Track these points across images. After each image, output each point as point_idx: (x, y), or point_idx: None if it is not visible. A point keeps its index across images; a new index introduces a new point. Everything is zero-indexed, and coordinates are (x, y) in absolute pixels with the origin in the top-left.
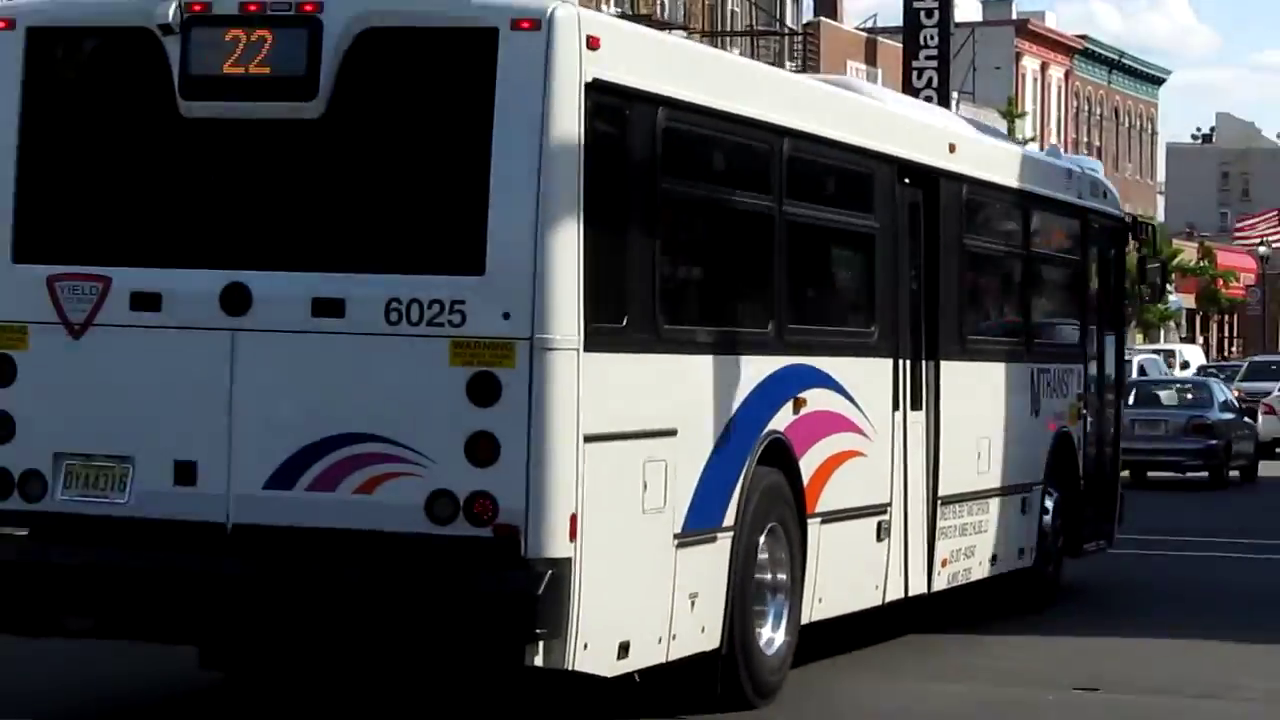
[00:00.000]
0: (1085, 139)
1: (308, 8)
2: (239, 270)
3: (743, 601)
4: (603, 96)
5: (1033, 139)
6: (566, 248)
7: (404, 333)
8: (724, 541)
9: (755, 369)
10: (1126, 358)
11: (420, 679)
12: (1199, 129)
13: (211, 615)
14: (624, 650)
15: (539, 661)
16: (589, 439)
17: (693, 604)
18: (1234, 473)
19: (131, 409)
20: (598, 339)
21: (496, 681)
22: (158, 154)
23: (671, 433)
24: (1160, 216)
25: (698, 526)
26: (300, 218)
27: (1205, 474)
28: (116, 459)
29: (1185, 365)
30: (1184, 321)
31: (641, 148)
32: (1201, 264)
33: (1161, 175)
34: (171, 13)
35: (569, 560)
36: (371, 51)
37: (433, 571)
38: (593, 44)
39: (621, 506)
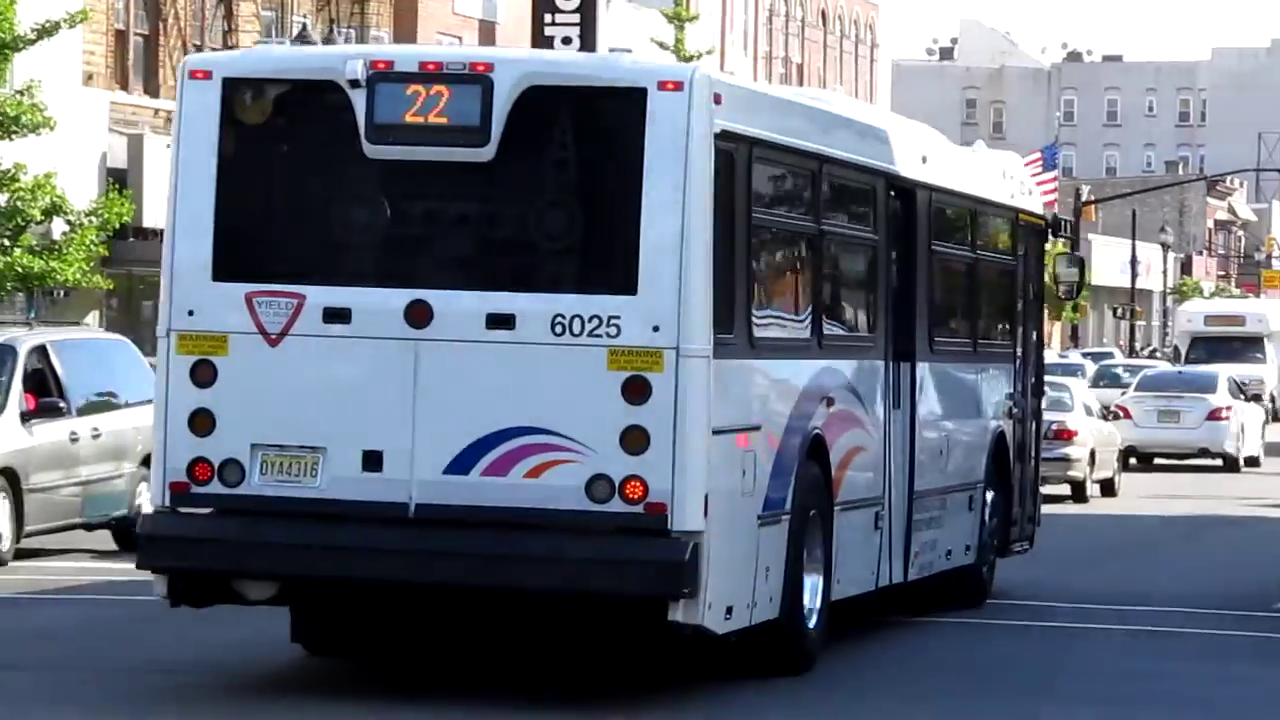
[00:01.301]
0: (782, 53)
1: (480, 67)
2: (421, 289)
3: (796, 577)
4: (723, 143)
5: (710, 52)
6: (702, 271)
7: (567, 343)
8: (784, 524)
9: (805, 371)
10: None
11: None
12: (935, 41)
13: (395, 585)
14: (729, 613)
15: (679, 617)
16: (715, 432)
17: (766, 576)
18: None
19: (323, 406)
20: (719, 348)
21: (629, 641)
22: (344, 188)
23: (757, 428)
24: None
25: (770, 509)
26: (475, 244)
27: (1066, 487)
28: (309, 449)
29: None
30: None
31: (742, 183)
32: None
33: (885, 101)
34: (359, 69)
35: (703, 533)
36: (536, 105)
37: (593, 542)
38: (718, 100)
39: (730, 490)
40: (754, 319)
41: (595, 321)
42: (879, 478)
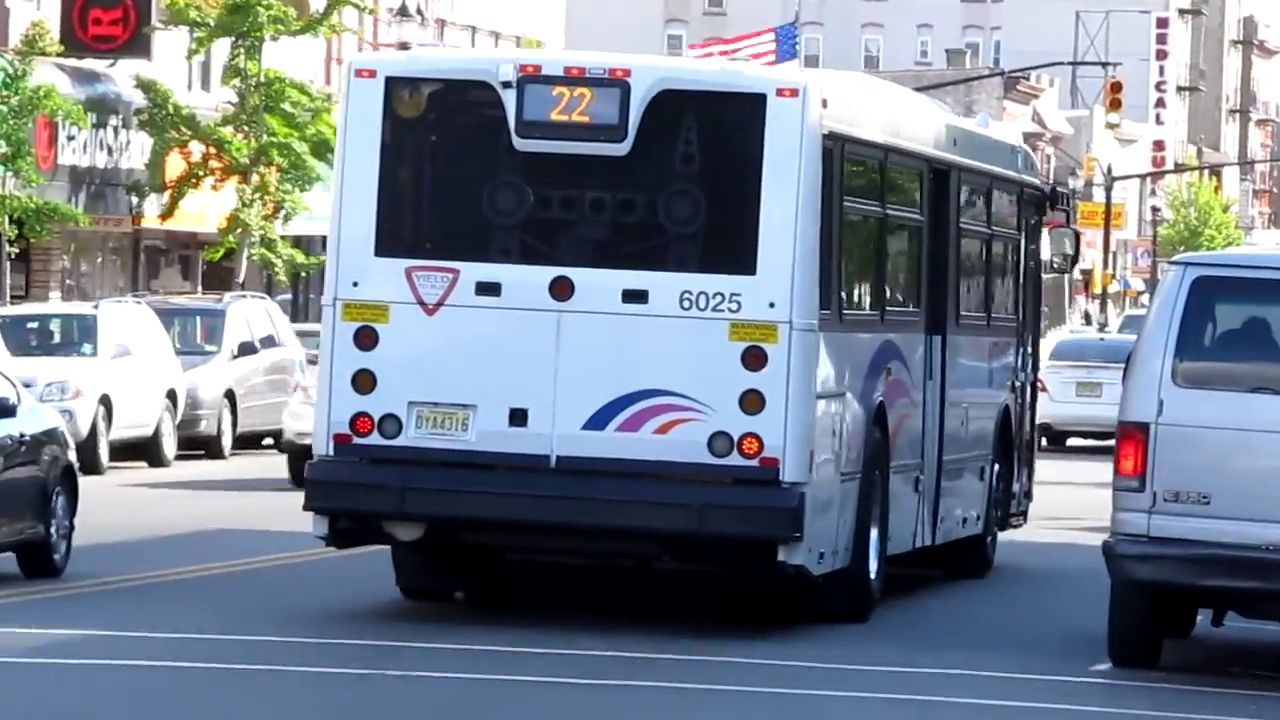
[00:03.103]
0: None
1: (619, 73)
2: (564, 267)
3: (863, 531)
4: (829, 142)
5: None
6: (811, 255)
7: (693, 316)
8: (857, 481)
9: (872, 344)
10: None
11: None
12: None
13: (537, 526)
14: (821, 558)
15: (786, 558)
16: (818, 396)
17: (840, 528)
18: None
19: (474, 368)
20: (823, 323)
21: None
22: (495, 176)
23: (842, 395)
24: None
25: (848, 469)
26: (611, 228)
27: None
28: (461, 406)
29: None
30: None
31: (836, 176)
32: None
33: None
34: (510, 72)
35: (808, 484)
36: (667, 107)
37: (714, 491)
38: (825, 104)
39: (825, 448)
40: (844, 297)
41: (719, 298)
42: (919, 445)
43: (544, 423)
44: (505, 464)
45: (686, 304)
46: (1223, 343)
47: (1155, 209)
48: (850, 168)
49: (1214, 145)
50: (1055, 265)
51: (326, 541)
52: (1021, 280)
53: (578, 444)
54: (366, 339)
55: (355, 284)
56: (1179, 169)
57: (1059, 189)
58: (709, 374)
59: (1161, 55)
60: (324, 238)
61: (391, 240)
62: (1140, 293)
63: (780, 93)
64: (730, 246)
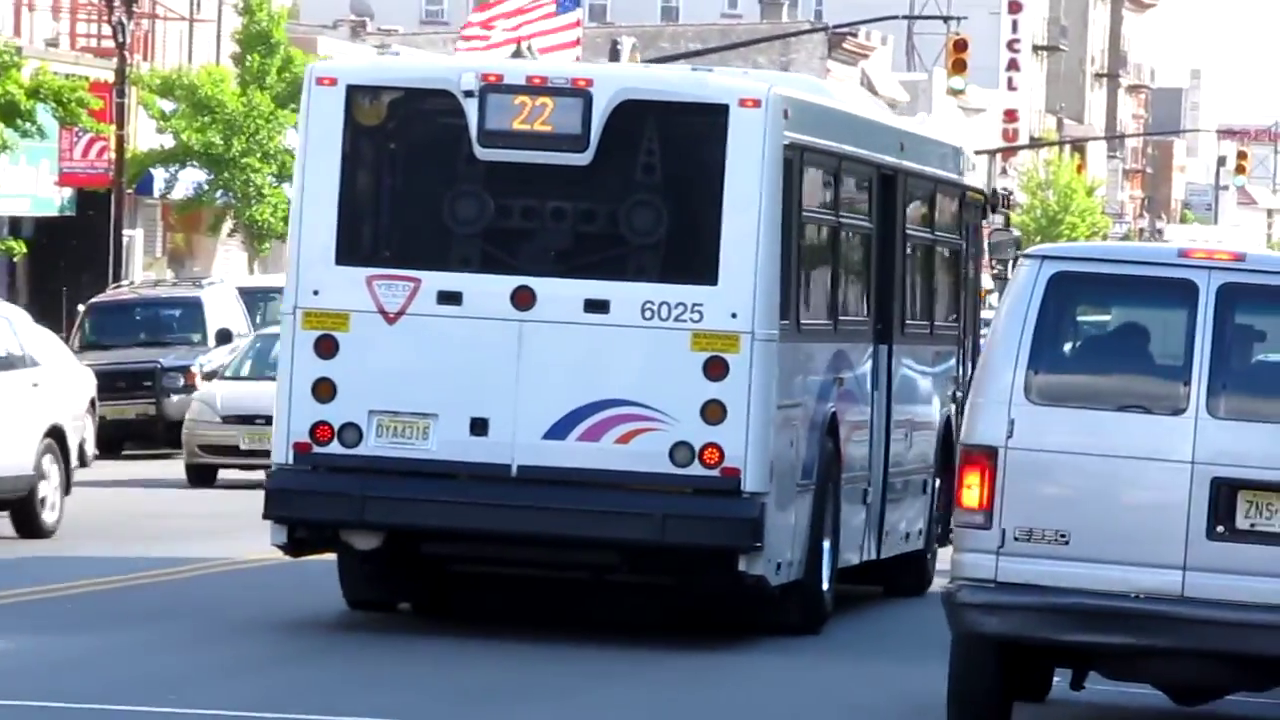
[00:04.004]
0: None
1: (581, 82)
2: (526, 276)
3: (816, 543)
4: (789, 152)
5: None
6: (772, 265)
7: (655, 326)
8: (811, 492)
9: (826, 354)
10: None
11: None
12: None
13: (498, 537)
14: (778, 568)
15: (745, 568)
16: (778, 407)
17: (796, 539)
18: None
19: (435, 377)
20: (782, 333)
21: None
22: (456, 186)
23: (799, 405)
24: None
25: (803, 480)
26: (574, 237)
27: None
28: (421, 415)
29: None
30: None
31: (795, 186)
32: None
33: None
34: (472, 81)
35: (768, 494)
36: (629, 117)
37: (675, 500)
38: (786, 115)
39: (783, 458)
40: (802, 308)
41: (681, 308)
42: (867, 457)
43: (505, 432)
44: (466, 473)
45: (648, 314)
46: (1085, 352)
47: (1007, 191)
48: (808, 177)
49: (1077, 116)
50: (995, 271)
51: (284, 550)
52: (962, 287)
53: (539, 453)
54: (326, 347)
55: (316, 292)
56: (1035, 144)
57: (999, 191)
58: (671, 384)
59: (1015, 8)
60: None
61: (352, 249)
62: (989, 291)
63: (743, 103)
64: (692, 256)
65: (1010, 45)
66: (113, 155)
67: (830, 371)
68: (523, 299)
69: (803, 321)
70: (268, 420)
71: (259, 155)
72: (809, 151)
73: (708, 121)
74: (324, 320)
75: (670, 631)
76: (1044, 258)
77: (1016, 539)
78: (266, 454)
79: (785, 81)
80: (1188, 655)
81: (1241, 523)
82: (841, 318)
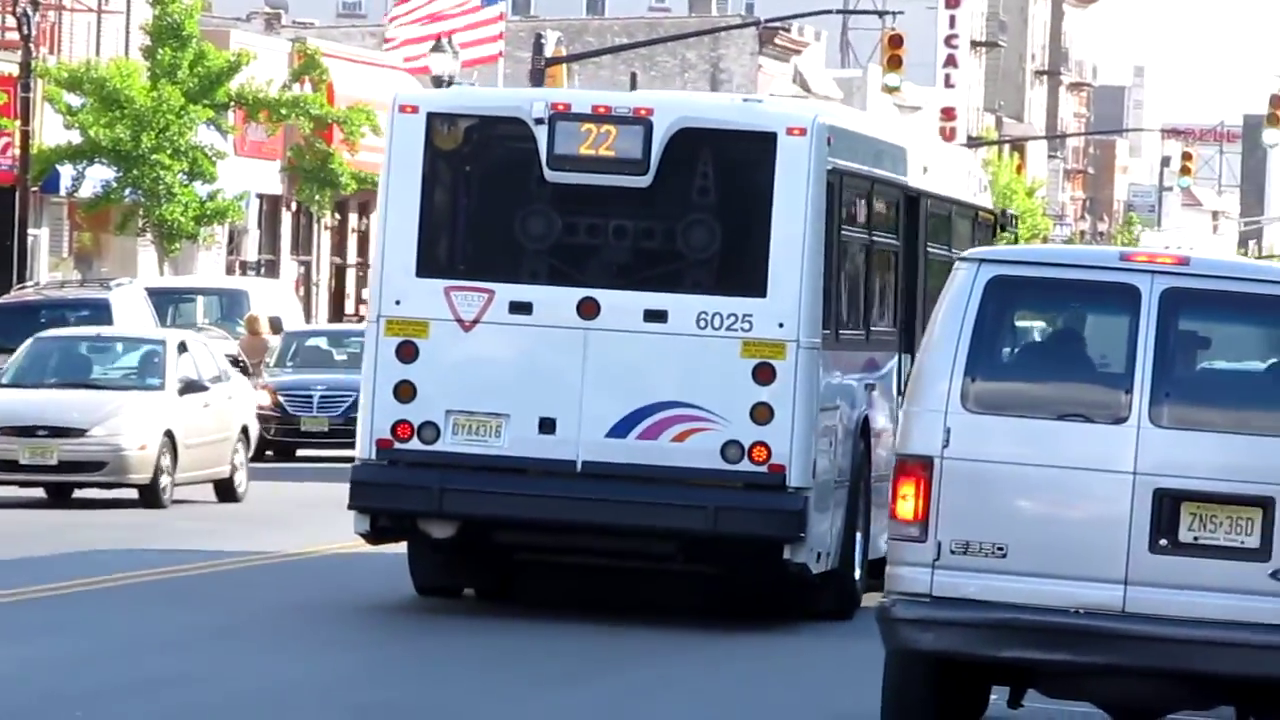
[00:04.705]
0: None
1: (642, 111)
2: (590, 288)
3: (850, 535)
4: (831, 176)
5: None
6: (816, 279)
7: (709, 334)
8: (846, 488)
9: (860, 361)
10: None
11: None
12: None
13: (564, 527)
14: (818, 558)
15: (790, 557)
16: (820, 409)
17: (833, 532)
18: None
19: (507, 380)
20: (824, 341)
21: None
22: (527, 205)
23: (837, 407)
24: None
25: (840, 477)
26: (634, 253)
27: None
28: (494, 415)
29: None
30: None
31: (836, 207)
32: (281, 91)
33: None
34: (542, 110)
35: (811, 489)
36: (686, 143)
37: (727, 494)
38: (829, 141)
39: (824, 456)
40: (841, 317)
41: (732, 318)
42: (891, 458)
43: (571, 431)
44: (535, 468)
45: (703, 323)
46: (1024, 358)
47: (1015, 213)
48: (846, 198)
49: (1016, 114)
50: None
51: (366, 538)
52: None
53: (602, 450)
54: (408, 352)
55: (398, 302)
56: (973, 143)
57: (1008, 211)
58: (723, 387)
59: (952, 3)
60: None
61: (431, 262)
62: None
63: (790, 131)
64: (743, 271)
65: (948, 41)
66: (17, 151)
67: (863, 378)
68: (588, 309)
69: (841, 331)
70: (52, 432)
71: (169, 152)
72: (847, 175)
73: (758, 148)
74: (405, 328)
75: (715, 616)
76: (981, 261)
77: (953, 552)
78: (53, 468)
79: (829, 110)
80: (1130, 673)
81: (1185, 535)
82: (872, 328)
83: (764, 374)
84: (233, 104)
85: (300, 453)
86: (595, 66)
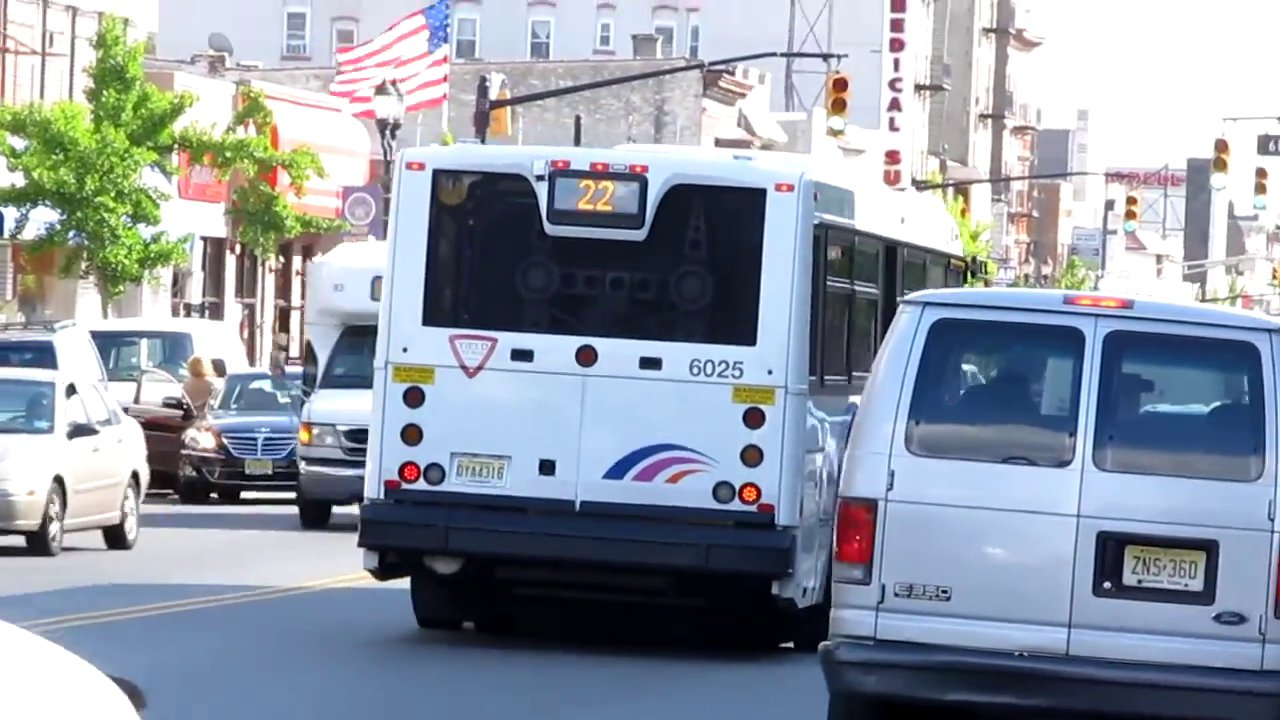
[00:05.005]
0: None
1: (637, 169)
2: (589, 336)
3: (831, 571)
4: (817, 230)
5: None
6: (804, 329)
7: (701, 380)
8: (829, 527)
9: (840, 405)
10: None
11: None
12: None
13: (563, 563)
14: (804, 593)
15: (779, 592)
16: (806, 451)
17: (817, 568)
18: None
19: (509, 424)
20: (810, 387)
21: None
22: (528, 257)
23: (821, 449)
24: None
25: (824, 515)
26: (631, 303)
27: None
28: (497, 457)
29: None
30: (202, 265)
31: (821, 259)
32: (226, 134)
33: None
34: (543, 167)
35: (798, 528)
36: (680, 198)
37: (718, 533)
38: (816, 197)
39: (809, 496)
40: (824, 365)
41: (724, 365)
42: None
43: (570, 472)
44: (535, 508)
45: (695, 370)
46: (968, 401)
47: (983, 260)
48: (831, 251)
49: (960, 158)
50: None
51: (375, 574)
52: None
53: (599, 491)
54: (414, 398)
55: (405, 349)
56: (918, 186)
57: (977, 259)
58: (715, 431)
59: (897, 46)
60: None
61: (437, 312)
62: None
63: (779, 187)
64: (734, 321)
65: (892, 84)
66: None
67: (845, 420)
68: (586, 356)
69: (825, 377)
70: None
71: (113, 194)
72: (832, 229)
73: (748, 203)
74: (412, 374)
75: (704, 648)
76: (925, 304)
77: (897, 595)
78: None
79: (815, 166)
80: (1073, 716)
81: (1129, 578)
82: (854, 373)
83: (754, 418)
84: (177, 146)
85: (245, 495)
86: (540, 109)
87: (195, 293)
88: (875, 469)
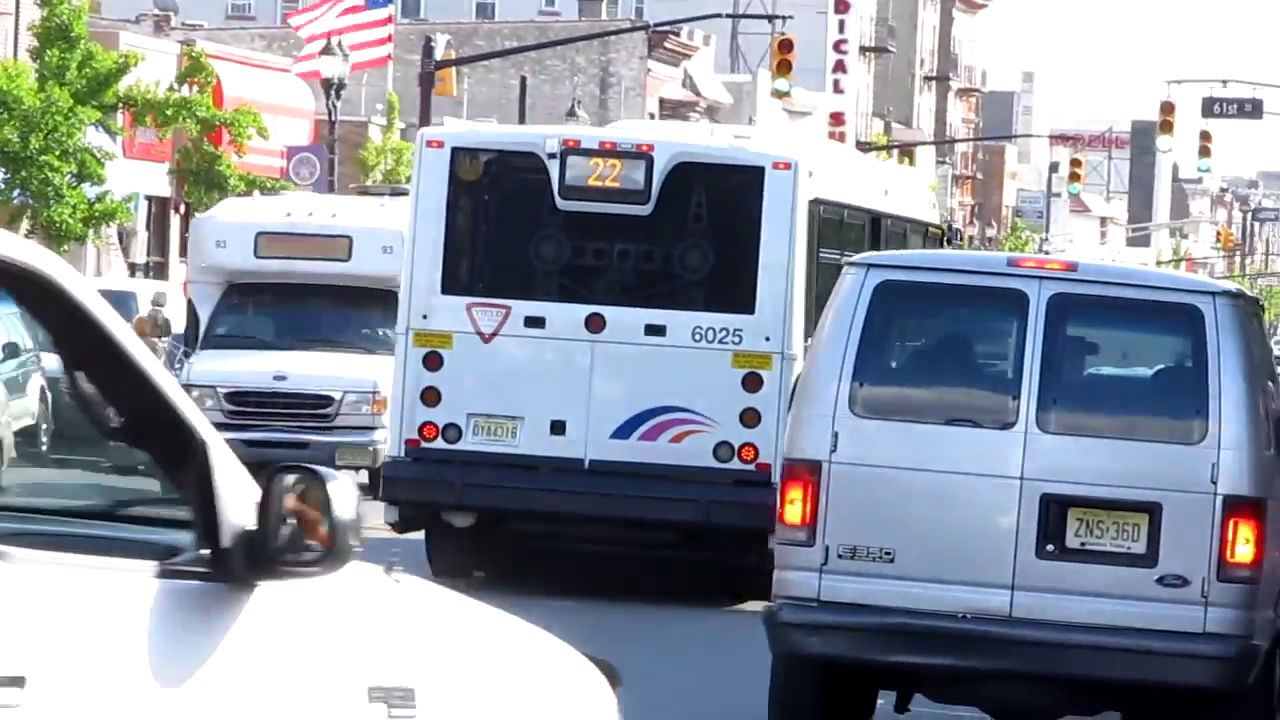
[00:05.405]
0: None
1: (644, 147)
2: (597, 305)
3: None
4: (812, 205)
5: None
6: (799, 299)
7: (703, 347)
8: None
9: None
10: None
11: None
12: None
13: (572, 518)
14: None
15: (773, 546)
16: None
17: None
18: None
19: (522, 387)
20: (805, 352)
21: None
22: (541, 231)
23: None
24: None
25: None
26: (637, 274)
27: None
28: (510, 417)
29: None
30: (147, 225)
31: (815, 232)
32: (169, 93)
33: None
34: (555, 145)
35: None
36: (683, 175)
37: (718, 490)
38: (810, 174)
39: None
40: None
41: (724, 332)
42: None
43: (579, 432)
44: (546, 465)
45: (697, 337)
46: (912, 363)
47: (958, 228)
48: (823, 224)
49: (905, 120)
50: None
51: (394, 527)
52: None
53: (607, 450)
54: (433, 362)
55: (424, 317)
56: (862, 148)
57: (953, 225)
58: (715, 394)
59: (842, 8)
60: None
61: (454, 281)
62: None
63: (776, 166)
64: (733, 290)
65: (837, 46)
66: None
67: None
68: (595, 324)
69: None
70: None
71: (58, 153)
72: (824, 204)
73: (747, 180)
74: (431, 339)
75: (702, 597)
76: (870, 266)
77: (840, 556)
78: None
79: (809, 146)
80: (1016, 678)
81: (1072, 541)
82: None
83: (752, 382)
84: (121, 106)
85: None
86: (485, 70)
87: (140, 252)
88: (819, 431)
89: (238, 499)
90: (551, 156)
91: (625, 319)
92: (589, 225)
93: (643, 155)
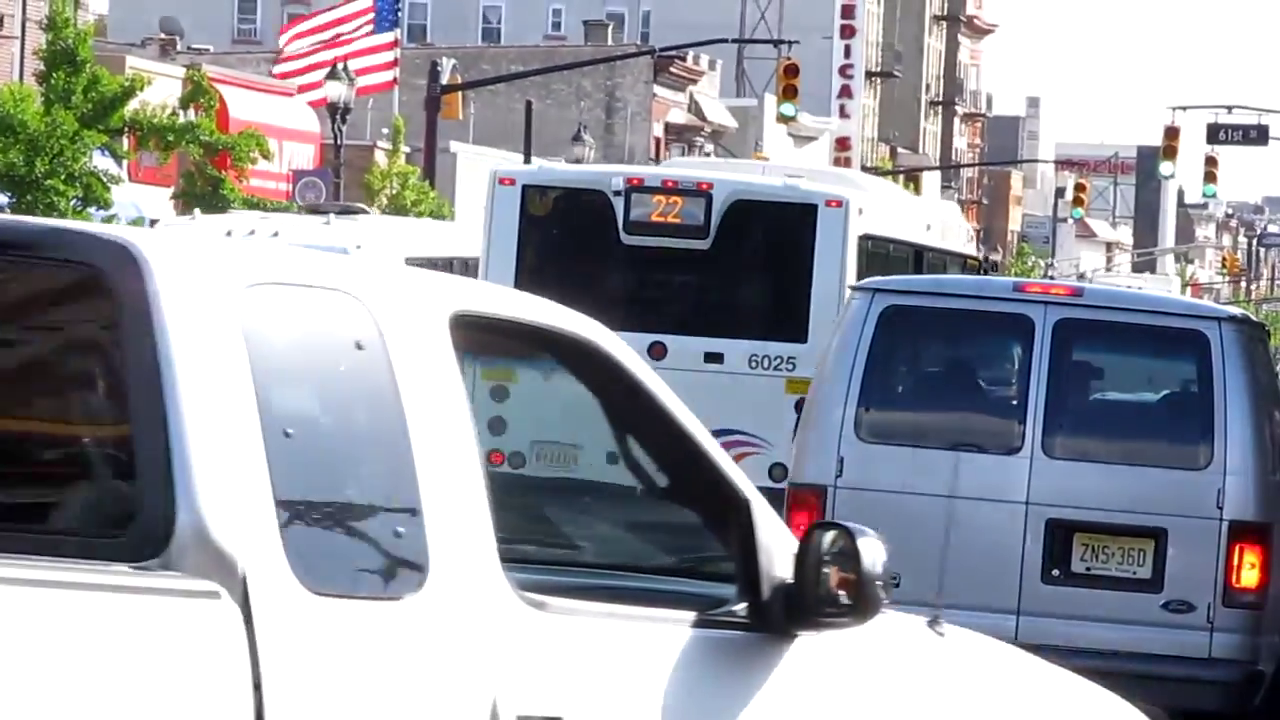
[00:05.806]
0: None
1: (703, 186)
2: (659, 334)
3: None
4: (862, 241)
5: None
6: None
7: (759, 374)
8: None
9: None
10: None
11: None
12: None
13: None
14: None
15: None
16: None
17: None
18: None
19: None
20: None
21: None
22: (606, 263)
23: None
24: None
25: None
26: (697, 305)
27: None
28: (571, 445)
29: None
30: None
31: (866, 265)
32: (172, 117)
33: None
34: (620, 183)
35: None
36: (741, 212)
37: (774, 507)
38: (860, 212)
39: None
40: None
41: (778, 360)
42: None
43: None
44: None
45: (754, 364)
46: (918, 388)
47: (993, 261)
48: (871, 257)
49: (911, 145)
50: None
51: None
52: None
53: None
54: (500, 394)
55: None
56: (868, 173)
57: (990, 258)
58: (770, 418)
59: (848, 33)
60: None
61: None
62: None
63: (829, 204)
64: (787, 320)
65: (843, 71)
66: None
67: None
68: (657, 351)
69: None
70: None
71: (63, 177)
72: (873, 239)
73: (801, 217)
74: (498, 374)
75: None
76: (875, 291)
77: None
78: None
79: (859, 184)
80: None
81: (1077, 566)
82: None
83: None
84: (127, 130)
85: None
86: (491, 94)
87: None
88: (825, 455)
89: (777, 553)
90: (617, 194)
91: (686, 347)
92: (651, 259)
93: (702, 193)
